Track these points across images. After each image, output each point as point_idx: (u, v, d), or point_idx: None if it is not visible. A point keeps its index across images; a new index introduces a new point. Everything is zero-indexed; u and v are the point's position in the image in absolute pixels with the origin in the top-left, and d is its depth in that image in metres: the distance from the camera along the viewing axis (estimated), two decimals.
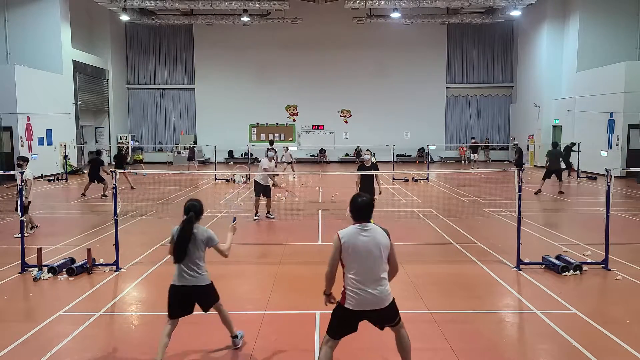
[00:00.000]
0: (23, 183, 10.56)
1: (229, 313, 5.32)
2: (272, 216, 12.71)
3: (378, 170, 11.87)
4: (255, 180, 12.59)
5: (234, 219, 5.50)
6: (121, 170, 16.51)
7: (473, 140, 30.52)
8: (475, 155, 27.91)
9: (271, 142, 20.79)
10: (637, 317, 6.20)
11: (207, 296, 5.06)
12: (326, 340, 4.30)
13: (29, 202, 10.84)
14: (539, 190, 16.99)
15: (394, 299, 4.31)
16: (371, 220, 4.33)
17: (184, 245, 4.86)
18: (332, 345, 4.29)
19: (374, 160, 12.59)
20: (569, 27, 26.71)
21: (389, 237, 4.28)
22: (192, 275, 4.91)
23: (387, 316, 4.29)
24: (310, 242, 10.45)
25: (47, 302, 6.92)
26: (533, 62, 29.54)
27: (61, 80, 25.23)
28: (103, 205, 15.09)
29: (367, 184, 11.31)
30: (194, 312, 5.68)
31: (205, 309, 5.13)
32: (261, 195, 12.48)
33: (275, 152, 13.50)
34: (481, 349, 5.37)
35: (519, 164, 18.92)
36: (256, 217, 12.48)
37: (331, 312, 4.36)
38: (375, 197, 11.51)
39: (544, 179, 17.04)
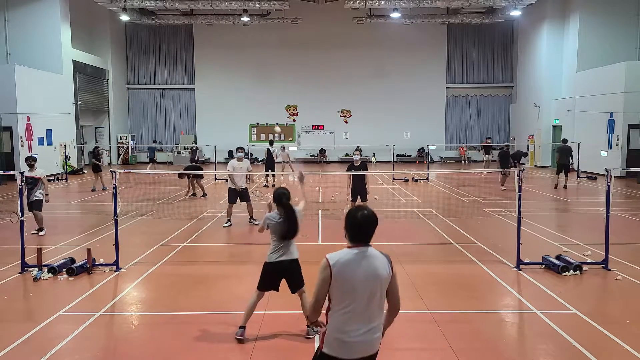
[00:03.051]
0: (40, 182, 10.75)
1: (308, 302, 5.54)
2: (255, 222, 11.72)
3: (367, 169, 11.77)
4: (228, 187, 11.82)
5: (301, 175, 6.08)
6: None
7: (488, 140, 29.50)
8: (489, 156, 26.83)
9: (271, 142, 20.76)
10: (637, 317, 6.20)
11: (297, 270, 5.63)
12: None
13: (48, 200, 11.13)
14: (557, 185, 18.37)
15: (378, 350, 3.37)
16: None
17: (296, 223, 5.54)
18: None
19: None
20: (569, 27, 26.71)
21: (392, 267, 3.32)
22: (288, 249, 5.57)
23: None
24: (310, 242, 10.45)
25: (47, 302, 6.91)
26: (533, 62, 29.54)
27: (61, 80, 25.22)
28: (103, 205, 15.09)
29: (358, 184, 11.34)
30: (193, 313, 5.68)
31: (295, 287, 5.60)
32: (238, 200, 11.65)
33: (244, 150, 12.27)
34: (481, 349, 5.37)
35: (503, 166, 18.49)
36: (227, 224, 11.68)
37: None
38: (367, 196, 11.53)
39: (558, 174, 18.61)
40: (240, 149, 12.06)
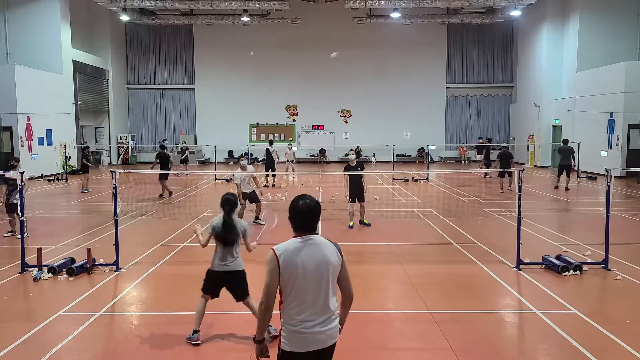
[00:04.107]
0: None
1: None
2: (261, 222, 12.01)
3: (363, 169, 11.77)
4: (243, 192, 11.73)
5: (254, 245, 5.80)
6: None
7: (480, 141, 29.63)
8: (480, 155, 27.06)
9: (271, 142, 20.76)
10: (637, 317, 6.20)
11: (240, 281, 5.56)
12: None
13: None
14: (557, 186, 18.25)
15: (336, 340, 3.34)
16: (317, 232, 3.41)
17: (231, 234, 5.45)
18: None
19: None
20: (569, 27, 26.71)
21: (341, 255, 3.28)
22: (229, 261, 5.49)
23: (328, 358, 3.31)
24: None
25: (47, 302, 6.92)
26: (533, 62, 29.54)
27: (61, 80, 25.23)
28: (103, 205, 15.08)
29: (355, 184, 11.31)
30: (193, 313, 5.67)
31: (238, 297, 5.54)
32: (247, 202, 11.80)
33: (245, 157, 12.30)
34: (481, 349, 5.37)
35: (504, 166, 17.80)
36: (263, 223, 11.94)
37: None
38: (364, 193, 11.50)
39: (559, 175, 18.33)
40: (242, 157, 12.27)
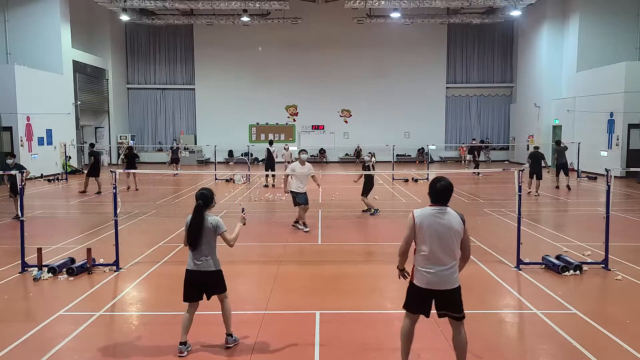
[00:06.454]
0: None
1: (231, 311, 5.42)
2: (301, 227, 11.23)
3: (374, 169, 14.09)
4: (291, 191, 11.11)
5: (243, 210, 5.70)
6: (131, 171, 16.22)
7: (474, 141, 29.79)
8: (470, 155, 27.08)
9: (271, 142, 20.76)
10: (637, 317, 6.20)
11: (215, 282, 5.28)
12: (405, 315, 4.68)
13: None
14: (557, 186, 18.50)
15: (460, 287, 4.52)
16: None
17: (197, 232, 5.13)
18: (411, 319, 4.66)
19: (374, 160, 14.35)
20: (569, 27, 26.72)
21: (464, 224, 4.42)
22: (203, 260, 5.19)
23: (451, 301, 4.49)
24: (310, 242, 10.44)
25: (47, 302, 6.91)
26: (533, 62, 29.54)
27: (61, 80, 25.23)
28: (103, 205, 15.07)
29: (368, 180, 13.41)
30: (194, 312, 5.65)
31: (209, 296, 5.31)
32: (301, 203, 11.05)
33: (306, 152, 11.52)
34: (481, 349, 5.36)
35: (535, 169, 16.99)
36: (307, 229, 11.11)
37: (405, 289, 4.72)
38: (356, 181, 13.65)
39: (557, 174, 18.69)
40: (303, 151, 11.42)
